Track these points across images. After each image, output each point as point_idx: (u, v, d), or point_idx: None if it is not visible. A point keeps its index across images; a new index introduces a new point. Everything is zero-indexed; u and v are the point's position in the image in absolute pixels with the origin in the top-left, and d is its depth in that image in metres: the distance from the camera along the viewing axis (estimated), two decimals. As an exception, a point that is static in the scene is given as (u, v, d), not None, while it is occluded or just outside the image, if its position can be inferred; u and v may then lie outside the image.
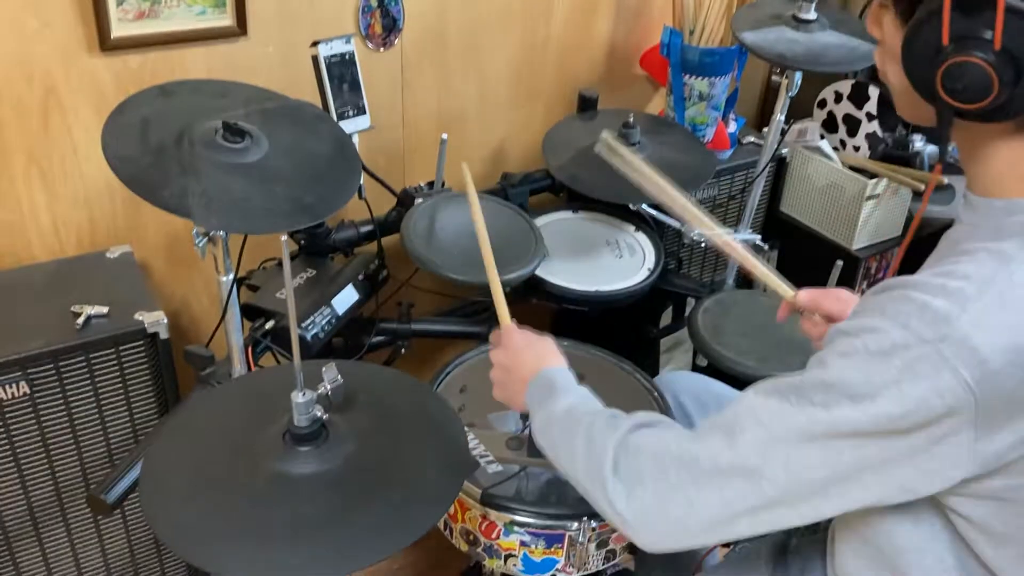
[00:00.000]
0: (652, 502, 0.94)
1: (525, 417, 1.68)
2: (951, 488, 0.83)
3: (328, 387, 1.06)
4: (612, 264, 1.88)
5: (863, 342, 0.81)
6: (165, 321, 1.49)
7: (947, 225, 0.99)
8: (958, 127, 0.87)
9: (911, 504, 0.87)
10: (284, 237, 1.00)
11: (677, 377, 1.59)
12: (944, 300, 0.79)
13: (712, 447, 0.90)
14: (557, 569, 1.33)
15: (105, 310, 1.48)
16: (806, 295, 1.29)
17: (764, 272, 1.34)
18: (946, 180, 2.27)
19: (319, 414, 1.04)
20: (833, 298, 1.27)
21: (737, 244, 1.38)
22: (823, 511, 0.88)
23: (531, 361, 1.18)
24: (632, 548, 1.40)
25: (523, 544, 1.32)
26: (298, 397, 1.01)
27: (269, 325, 1.50)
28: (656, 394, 1.53)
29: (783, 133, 2.04)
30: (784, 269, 2.40)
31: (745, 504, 0.88)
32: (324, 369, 1.07)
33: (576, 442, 1.02)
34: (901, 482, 0.84)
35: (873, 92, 2.34)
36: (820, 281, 1.95)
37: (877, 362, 0.80)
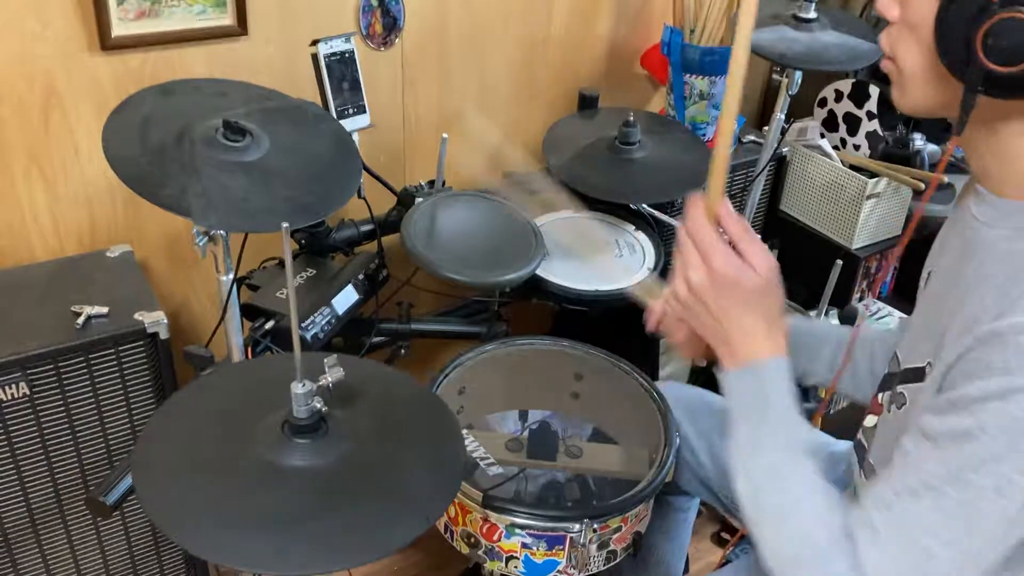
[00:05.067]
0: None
1: (524, 418, 1.69)
2: None
3: (329, 379, 1.05)
4: (612, 264, 1.87)
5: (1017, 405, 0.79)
6: (165, 321, 1.48)
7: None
8: (980, 119, 0.85)
9: None
10: (285, 224, 0.97)
11: (666, 389, 1.57)
12: None
13: None
14: (558, 571, 1.33)
15: (105, 310, 1.48)
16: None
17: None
18: (947, 179, 2.27)
19: (318, 406, 1.02)
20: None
21: None
22: None
23: (752, 323, 0.97)
24: (635, 548, 1.40)
25: (524, 546, 1.32)
26: (297, 388, 1.01)
27: (269, 325, 1.49)
28: (656, 394, 1.53)
29: (783, 132, 2.04)
30: (784, 268, 2.41)
31: None
32: (326, 360, 1.06)
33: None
34: None
35: (873, 91, 2.34)
36: (820, 280, 1.95)
37: None
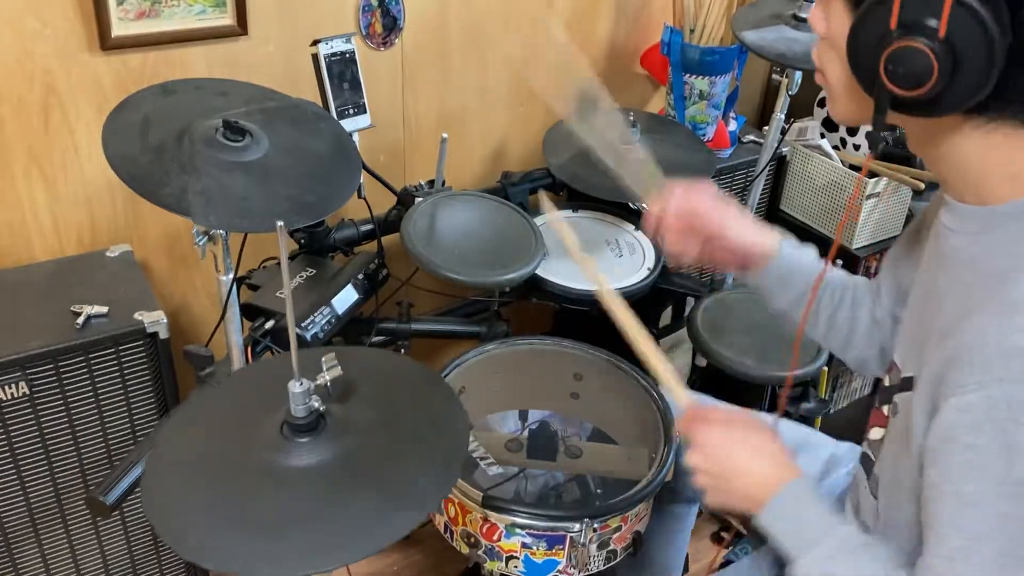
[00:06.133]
0: None
1: (524, 418, 1.69)
2: None
3: (327, 377, 1.05)
4: (612, 263, 1.87)
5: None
6: (165, 321, 1.48)
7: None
8: (922, 132, 0.90)
9: None
10: (280, 223, 0.97)
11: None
12: None
13: None
14: (558, 570, 1.33)
15: (105, 310, 1.48)
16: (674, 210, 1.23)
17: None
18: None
19: (316, 405, 1.02)
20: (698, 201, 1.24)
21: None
22: None
23: (759, 468, 1.04)
24: (635, 548, 1.40)
25: (524, 546, 1.32)
26: (295, 387, 1.00)
27: (269, 325, 1.49)
28: (655, 394, 1.53)
29: (783, 132, 2.04)
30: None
31: None
32: (324, 358, 1.05)
33: None
34: None
35: (873, 91, 2.34)
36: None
37: None
